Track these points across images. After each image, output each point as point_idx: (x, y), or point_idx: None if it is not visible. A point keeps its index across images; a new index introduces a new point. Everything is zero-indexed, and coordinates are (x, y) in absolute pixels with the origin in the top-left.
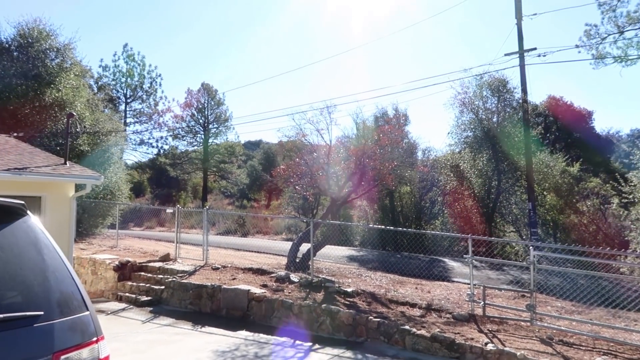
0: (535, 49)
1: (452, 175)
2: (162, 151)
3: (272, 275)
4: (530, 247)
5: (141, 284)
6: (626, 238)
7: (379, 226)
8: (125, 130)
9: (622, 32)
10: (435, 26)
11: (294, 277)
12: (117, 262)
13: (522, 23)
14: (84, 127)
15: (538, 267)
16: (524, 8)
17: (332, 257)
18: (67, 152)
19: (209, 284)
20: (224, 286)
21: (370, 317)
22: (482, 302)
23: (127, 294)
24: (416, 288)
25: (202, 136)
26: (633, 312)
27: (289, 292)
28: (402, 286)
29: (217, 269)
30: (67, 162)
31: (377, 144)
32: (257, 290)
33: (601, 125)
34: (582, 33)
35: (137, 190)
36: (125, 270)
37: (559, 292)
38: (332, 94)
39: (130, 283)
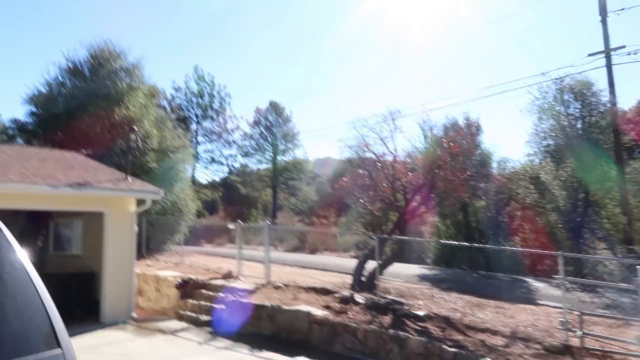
0: (624, 46)
1: (531, 187)
2: (232, 169)
3: (336, 295)
4: (638, 267)
5: (202, 303)
6: None
7: (453, 242)
8: (196, 146)
9: None
10: (498, 32)
11: (359, 297)
12: (179, 280)
13: (607, 19)
14: (146, 143)
15: None
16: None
17: (401, 276)
18: (127, 167)
19: (269, 304)
20: (284, 307)
21: (444, 346)
22: (580, 331)
23: (187, 313)
24: (497, 312)
25: (271, 154)
26: None
27: (353, 315)
28: (480, 310)
29: (279, 287)
30: (129, 178)
31: (448, 152)
32: (318, 312)
33: None
34: None
35: (211, 207)
36: (187, 288)
37: None
38: (396, 104)
39: (191, 301)
